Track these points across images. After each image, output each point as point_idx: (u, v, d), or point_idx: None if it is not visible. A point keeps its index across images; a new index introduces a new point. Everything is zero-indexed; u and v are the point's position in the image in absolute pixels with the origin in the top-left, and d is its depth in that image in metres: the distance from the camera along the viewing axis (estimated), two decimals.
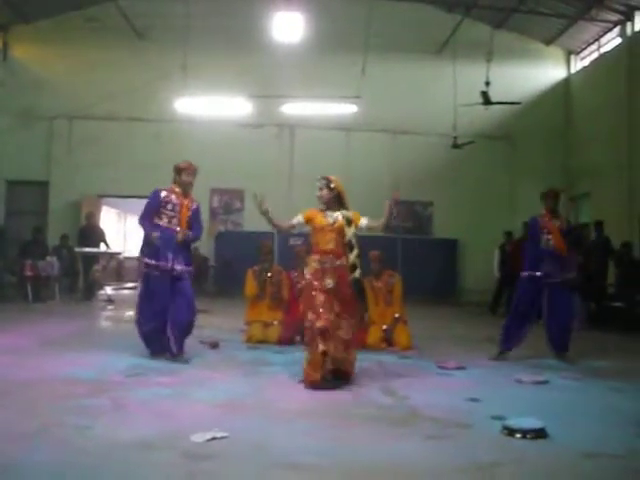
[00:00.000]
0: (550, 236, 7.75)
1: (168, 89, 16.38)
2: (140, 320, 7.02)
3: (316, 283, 5.89)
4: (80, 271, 15.26)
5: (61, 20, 17.86)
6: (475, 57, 16.17)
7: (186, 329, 6.87)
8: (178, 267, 6.85)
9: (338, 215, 6.12)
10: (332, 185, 6.18)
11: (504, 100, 15.35)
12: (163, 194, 7.02)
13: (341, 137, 18.20)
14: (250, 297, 9.07)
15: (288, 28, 13.74)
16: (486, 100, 14.97)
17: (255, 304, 9.05)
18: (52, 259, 14.27)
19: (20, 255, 14.09)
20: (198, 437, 4.03)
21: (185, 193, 7.06)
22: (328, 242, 6.04)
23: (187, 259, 7.04)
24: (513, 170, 18.40)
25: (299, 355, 7.74)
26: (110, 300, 14.23)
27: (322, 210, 6.19)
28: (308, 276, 6.01)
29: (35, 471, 3.41)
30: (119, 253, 18.09)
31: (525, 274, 7.82)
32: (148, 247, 6.99)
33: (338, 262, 6.00)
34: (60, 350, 7.40)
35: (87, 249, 14.63)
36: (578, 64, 18.88)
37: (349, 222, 6.11)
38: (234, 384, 5.81)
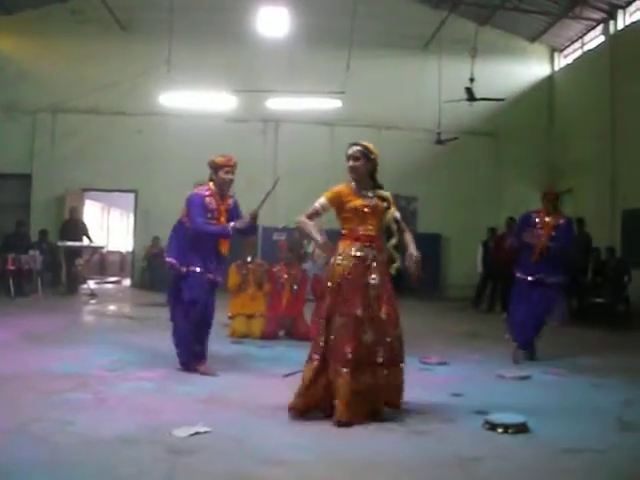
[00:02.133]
0: (541, 231, 7.64)
1: (152, 83, 16.29)
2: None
3: (355, 283, 4.63)
4: (63, 265, 15.18)
5: (45, 12, 17.68)
6: (460, 53, 16.20)
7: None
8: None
9: (374, 195, 4.98)
10: (372, 155, 5.07)
11: (488, 96, 15.39)
12: (207, 199, 6.11)
13: (325, 132, 18.18)
14: (233, 289, 9.09)
15: (273, 22, 13.75)
16: (470, 96, 15.01)
17: (237, 296, 9.07)
18: (35, 253, 14.17)
19: (2, 249, 13.99)
20: (181, 432, 4.03)
21: (222, 194, 6.21)
22: (369, 228, 4.82)
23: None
24: (497, 166, 18.46)
25: (283, 350, 7.77)
26: (93, 294, 14.17)
27: (352, 187, 4.96)
28: (345, 273, 4.65)
29: (16, 468, 3.39)
30: (102, 247, 17.99)
31: (518, 276, 7.82)
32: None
33: (381, 257, 4.80)
34: (42, 344, 7.37)
35: (70, 243, 14.55)
36: (562, 61, 18.95)
37: (388, 204, 4.99)
38: (217, 379, 5.81)
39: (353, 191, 4.88)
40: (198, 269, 6.02)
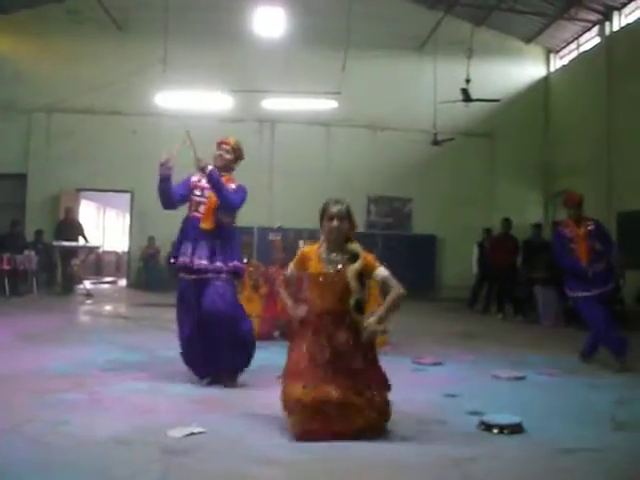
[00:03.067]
0: (577, 245, 7.19)
1: (148, 82, 16.27)
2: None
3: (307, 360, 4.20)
4: (58, 265, 15.17)
5: (41, 12, 17.66)
6: (456, 54, 16.24)
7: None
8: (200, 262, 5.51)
9: (343, 256, 4.34)
10: (352, 215, 4.42)
11: (484, 97, 15.42)
12: (194, 178, 5.77)
13: (321, 133, 18.20)
14: None
15: (269, 22, 13.74)
16: (466, 97, 15.03)
17: None
18: (30, 253, 14.16)
19: None
20: (175, 432, 4.02)
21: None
22: (328, 301, 4.29)
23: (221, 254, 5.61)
24: (493, 167, 18.50)
25: (277, 350, 7.75)
26: (88, 294, 14.15)
27: (320, 249, 4.41)
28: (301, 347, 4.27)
29: (10, 468, 3.38)
30: (98, 247, 17.97)
31: (577, 295, 7.30)
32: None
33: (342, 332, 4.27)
34: (37, 344, 7.36)
35: (65, 243, 14.53)
36: (557, 63, 18.99)
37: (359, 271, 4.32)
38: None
39: (318, 254, 4.36)
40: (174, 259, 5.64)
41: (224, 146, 5.79)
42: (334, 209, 4.31)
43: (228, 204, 5.57)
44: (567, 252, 7.25)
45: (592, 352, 7.43)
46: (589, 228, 7.25)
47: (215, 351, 5.50)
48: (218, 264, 5.50)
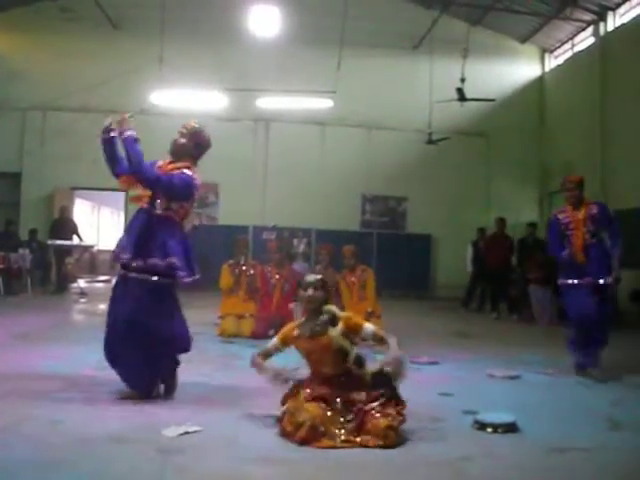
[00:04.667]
0: (573, 232, 6.55)
1: (143, 81, 16.22)
2: None
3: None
4: (53, 264, 15.15)
5: (35, 9, 17.61)
6: (451, 53, 16.22)
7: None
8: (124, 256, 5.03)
9: (321, 322, 4.41)
10: (328, 287, 4.60)
11: (479, 97, 15.43)
12: (159, 163, 5.27)
13: (316, 132, 18.19)
14: (225, 290, 9.11)
15: (264, 21, 13.73)
16: (461, 96, 15.04)
17: (229, 297, 9.08)
18: (24, 251, 14.13)
19: None
20: (170, 431, 4.03)
21: (176, 160, 5.25)
22: (325, 367, 4.41)
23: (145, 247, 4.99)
24: (488, 166, 18.50)
25: None
26: (83, 293, 14.12)
27: (298, 323, 4.57)
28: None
29: (6, 467, 3.38)
30: (92, 246, 17.93)
31: (562, 282, 6.75)
32: None
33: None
34: (32, 343, 7.35)
35: (60, 242, 14.51)
36: (552, 62, 19.01)
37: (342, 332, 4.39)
38: (207, 378, 5.80)
39: (302, 331, 4.45)
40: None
41: (181, 129, 5.34)
42: (309, 278, 4.53)
43: (135, 168, 5.01)
44: (560, 240, 6.65)
45: (590, 361, 6.56)
46: (592, 212, 6.55)
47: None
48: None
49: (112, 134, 5.17)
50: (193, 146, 5.29)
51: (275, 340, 4.58)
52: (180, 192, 5.08)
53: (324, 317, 4.41)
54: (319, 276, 4.54)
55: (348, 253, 8.98)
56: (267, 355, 4.58)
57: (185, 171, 5.12)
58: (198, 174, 5.24)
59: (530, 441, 4.19)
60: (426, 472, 3.61)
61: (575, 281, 6.56)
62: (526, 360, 7.46)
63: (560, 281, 6.78)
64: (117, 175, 5.33)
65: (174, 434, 3.99)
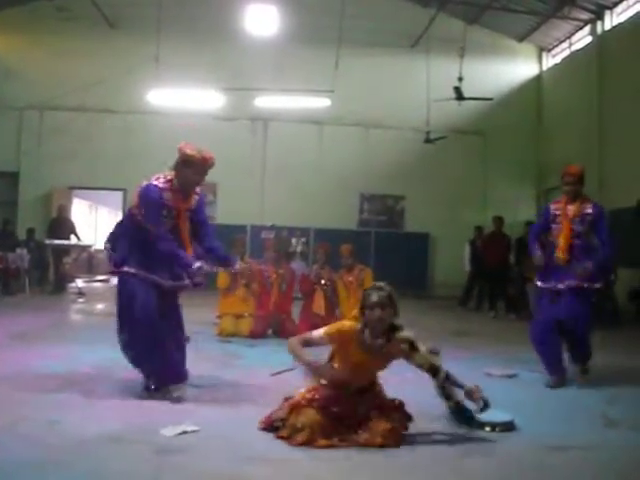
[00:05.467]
0: (559, 226, 6.04)
1: (140, 80, 16.21)
2: None
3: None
4: (50, 263, 15.14)
5: (32, 9, 17.58)
6: (448, 52, 16.23)
7: None
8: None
9: (385, 344, 4.18)
10: (395, 300, 4.22)
11: (477, 96, 15.43)
12: (165, 195, 4.92)
13: (314, 131, 18.19)
14: (222, 288, 9.10)
15: (262, 20, 13.73)
16: (459, 95, 15.04)
17: (227, 296, 9.07)
18: (22, 251, 14.12)
19: None
20: (168, 431, 4.02)
21: (185, 194, 5.03)
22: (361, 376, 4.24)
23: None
24: (485, 165, 18.51)
25: (271, 349, 7.77)
26: (81, 293, 14.11)
27: (359, 335, 4.14)
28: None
29: (3, 467, 3.38)
30: (90, 245, 17.92)
31: (537, 283, 6.28)
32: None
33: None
34: (29, 343, 7.35)
35: (58, 241, 14.49)
36: (550, 61, 19.03)
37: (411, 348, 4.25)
38: (205, 377, 5.79)
39: (360, 341, 4.12)
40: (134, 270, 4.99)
41: (205, 170, 5.10)
42: (374, 297, 4.08)
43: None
44: (540, 233, 6.28)
45: (584, 360, 6.14)
46: (586, 211, 5.98)
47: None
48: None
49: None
50: (202, 178, 5.08)
51: (322, 333, 4.17)
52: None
53: (404, 346, 4.20)
54: (386, 293, 4.12)
55: (346, 252, 8.98)
56: (307, 344, 4.23)
57: (201, 194, 5.25)
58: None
59: (528, 439, 4.20)
60: (424, 471, 3.62)
61: (555, 284, 5.99)
62: (524, 359, 7.45)
63: (536, 281, 6.27)
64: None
65: (172, 434, 3.99)
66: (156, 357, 4.93)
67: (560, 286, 5.95)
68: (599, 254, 5.96)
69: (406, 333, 4.26)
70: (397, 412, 4.19)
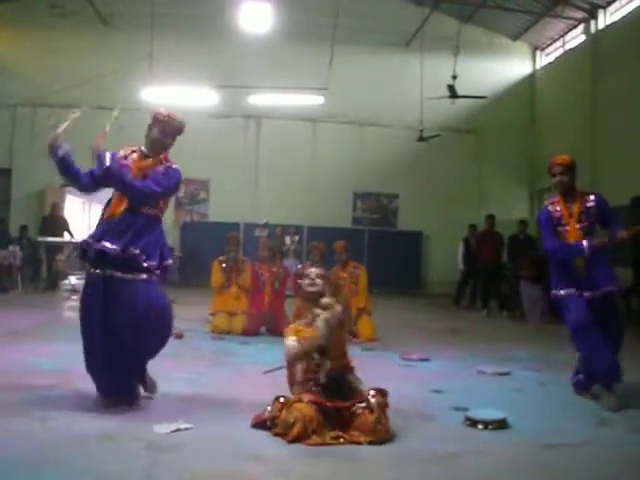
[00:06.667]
0: (566, 228, 5.44)
1: (134, 77, 16.10)
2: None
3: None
4: (43, 261, 15.09)
5: (25, 5, 17.51)
6: (442, 51, 16.23)
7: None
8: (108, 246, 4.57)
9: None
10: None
11: (470, 94, 15.44)
12: (121, 152, 4.96)
13: (308, 128, 18.20)
14: (216, 287, 9.11)
15: (256, 18, 13.69)
16: (453, 93, 15.06)
17: (220, 294, 9.08)
18: (15, 248, 14.08)
19: None
20: (162, 428, 4.02)
21: (152, 155, 4.88)
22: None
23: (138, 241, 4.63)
24: (479, 163, 18.54)
25: (264, 346, 7.78)
26: (74, 290, 14.07)
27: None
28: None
29: (3, 465, 3.37)
30: None
31: (555, 293, 5.52)
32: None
33: None
34: (22, 341, 7.32)
35: (50, 238, 14.46)
36: (543, 60, 19.07)
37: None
38: (199, 375, 5.80)
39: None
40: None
41: (163, 124, 4.90)
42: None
43: (138, 195, 4.69)
44: (554, 236, 5.50)
45: (588, 385, 5.46)
46: (588, 205, 5.47)
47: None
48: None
49: (60, 153, 4.98)
50: (166, 138, 4.91)
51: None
52: (172, 191, 4.97)
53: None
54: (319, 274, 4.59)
55: (339, 248, 8.99)
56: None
57: (170, 169, 4.83)
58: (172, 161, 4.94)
59: (521, 437, 4.21)
60: (417, 469, 3.62)
61: (572, 290, 5.36)
62: (516, 357, 7.49)
63: (554, 292, 5.52)
64: (85, 192, 5.18)
65: (165, 431, 3.99)
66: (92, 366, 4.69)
67: (586, 294, 5.31)
68: (612, 230, 5.42)
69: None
70: (376, 397, 4.15)
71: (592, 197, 5.50)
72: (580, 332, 5.26)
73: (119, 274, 4.57)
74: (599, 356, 5.18)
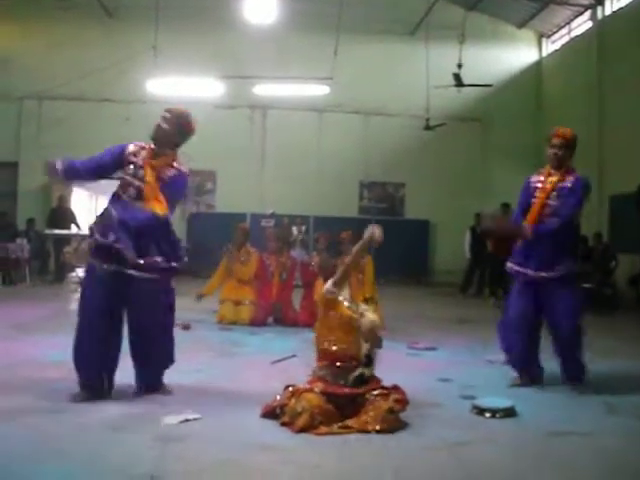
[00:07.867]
0: (534, 201, 5.24)
1: (139, 69, 16.15)
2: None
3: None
4: (51, 253, 15.14)
5: None
6: (448, 39, 16.16)
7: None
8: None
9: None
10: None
11: (476, 82, 15.39)
12: (131, 147, 4.90)
13: (313, 118, 18.16)
14: (219, 274, 9.12)
15: (261, 8, 13.65)
16: (458, 82, 15.00)
17: (226, 283, 9.09)
18: (22, 241, 14.11)
19: None
20: (170, 419, 4.03)
21: (157, 150, 4.79)
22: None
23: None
24: (485, 152, 18.49)
25: (271, 336, 7.79)
26: (81, 282, 14.11)
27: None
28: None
29: (6, 457, 3.39)
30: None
31: (509, 266, 5.57)
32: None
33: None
34: (30, 333, 7.35)
35: (58, 231, 14.49)
36: (550, 47, 18.97)
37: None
38: (207, 366, 5.81)
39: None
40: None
41: (164, 114, 4.84)
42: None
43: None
44: (525, 209, 5.37)
45: (580, 375, 5.39)
46: (565, 184, 5.21)
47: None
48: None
49: (60, 167, 5.04)
50: (176, 133, 4.82)
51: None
52: (179, 197, 4.95)
53: None
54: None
55: (345, 239, 8.98)
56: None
57: (180, 173, 4.78)
58: (181, 162, 4.89)
59: (528, 426, 4.21)
60: (425, 457, 3.63)
61: (518, 268, 5.35)
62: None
63: (508, 264, 5.56)
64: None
65: (174, 422, 4.00)
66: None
67: (532, 273, 5.25)
68: (551, 222, 5.15)
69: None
70: (395, 393, 4.18)
71: (572, 178, 5.25)
72: (509, 331, 5.47)
73: (133, 272, 4.62)
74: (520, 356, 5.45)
